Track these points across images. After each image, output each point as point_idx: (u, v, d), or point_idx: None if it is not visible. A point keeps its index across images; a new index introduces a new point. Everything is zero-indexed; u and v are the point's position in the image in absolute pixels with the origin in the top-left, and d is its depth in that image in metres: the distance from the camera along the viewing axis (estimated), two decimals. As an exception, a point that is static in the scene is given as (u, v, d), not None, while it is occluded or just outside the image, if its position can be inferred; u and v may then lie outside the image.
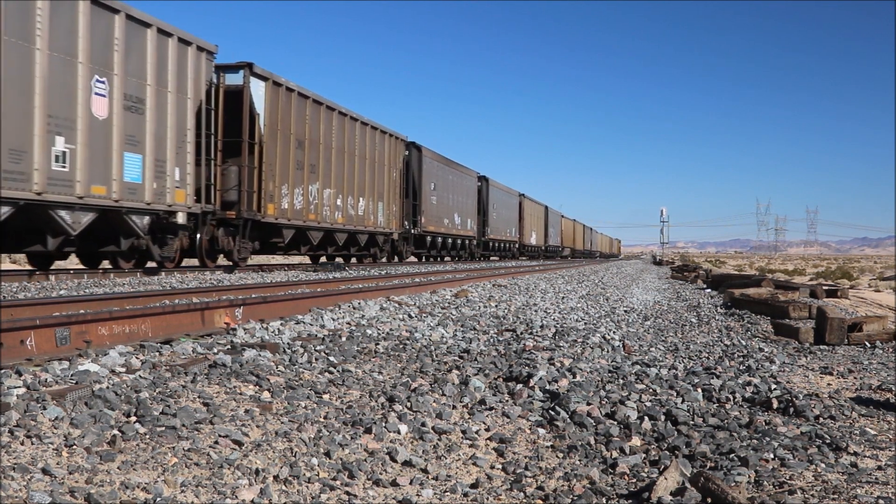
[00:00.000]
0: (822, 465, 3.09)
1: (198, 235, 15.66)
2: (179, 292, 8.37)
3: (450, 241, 33.94)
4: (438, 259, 34.95)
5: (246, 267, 17.65)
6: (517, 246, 48.84)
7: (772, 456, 3.20)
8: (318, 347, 5.01)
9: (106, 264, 15.04)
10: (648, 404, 4.05)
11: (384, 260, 26.86)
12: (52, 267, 14.05)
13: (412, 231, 28.41)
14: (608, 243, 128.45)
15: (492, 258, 44.05)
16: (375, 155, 24.18)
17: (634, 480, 3.05)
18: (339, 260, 25.35)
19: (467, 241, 37.03)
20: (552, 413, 3.90)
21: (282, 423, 3.34)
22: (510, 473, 3.16)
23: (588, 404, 3.97)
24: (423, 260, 33.71)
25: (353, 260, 25.11)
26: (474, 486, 2.98)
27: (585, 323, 8.23)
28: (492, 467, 3.24)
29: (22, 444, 2.65)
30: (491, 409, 3.99)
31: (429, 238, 30.45)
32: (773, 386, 4.58)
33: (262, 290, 9.43)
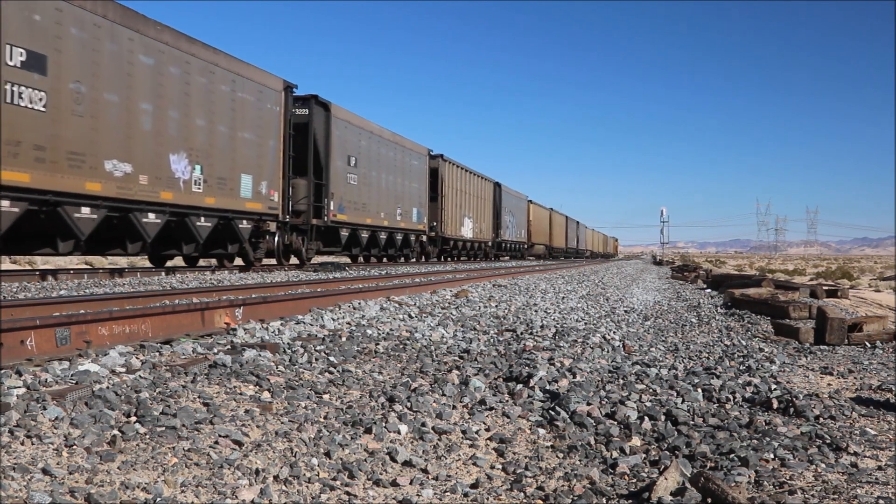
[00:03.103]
0: (823, 466, 3.09)
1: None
2: (179, 292, 8.37)
3: (152, 217, 13.60)
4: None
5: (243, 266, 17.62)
6: (426, 238, 30.60)
7: (772, 456, 3.20)
8: (318, 347, 5.01)
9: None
10: (648, 404, 4.05)
11: None
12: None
13: None
14: (602, 241, 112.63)
15: (391, 260, 27.79)
16: None
17: (634, 480, 3.05)
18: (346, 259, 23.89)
19: (244, 223, 16.68)
20: (552, 413, 3.89)
21: (282, 423, 3.34)
22: (510, 473, 3.16)
23: (588, 404, 3.97)
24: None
25: None
26: (474, 486, 2.98)
27: (585, 323, 8.23)
28: (492, 467, 3.24)
29: (22, 444, 2.65)
30: (491, 409, 3.99)
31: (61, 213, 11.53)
32: (774, 386, 4.58)
33: (262, 290, 9.44)
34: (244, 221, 16.95)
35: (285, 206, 18.59)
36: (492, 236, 41.26)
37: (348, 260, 26.29)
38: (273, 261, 19.36)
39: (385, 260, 27.88)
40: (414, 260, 29.78)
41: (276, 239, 18.70)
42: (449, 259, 34.93)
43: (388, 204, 26.02)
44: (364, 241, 24.13)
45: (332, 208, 21.18)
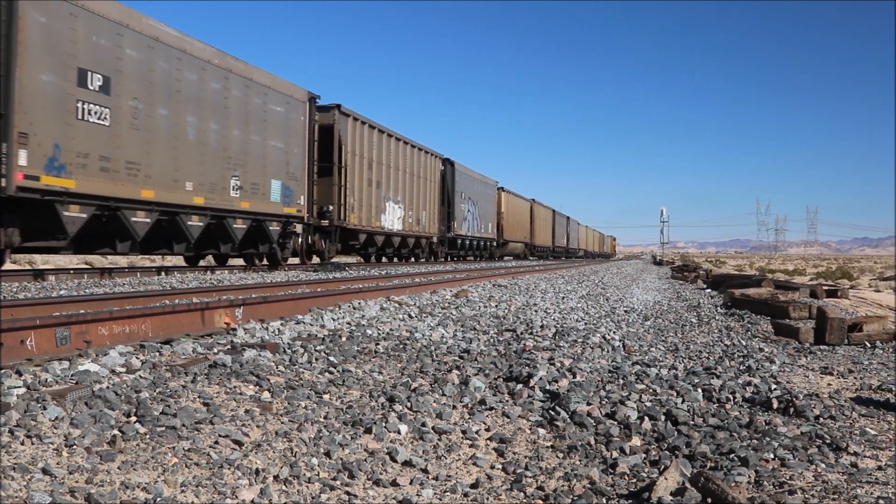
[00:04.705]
0: (823, 465, 3.09)
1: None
2: (179, 292, 8.37)
3: None
4: None
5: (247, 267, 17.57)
6: (302, 228, 19.45)
7: (772, 456, 3.20)
8: (318, 347, 5.01)
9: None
10: (648, 404, 4.05)
11: None
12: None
13: None
14: (598, 240, 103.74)
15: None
16: None
17: (634, 480, 3.05)
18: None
19: None
20: (552, 413, 3.89)
21: (282, 423, 3.34)
22: (510, 473, 3.16)
23: (588, 404, 3.97)
24: None
25: None
26: (474, 486, 2.98)
27: (585, 323, 8.23)
28: (492, 467, 3.24)
29: (22, 444, 2.65)
30: (491, 409, 3.99)
31: None
32: (774, 386, 4.58)
33: (262, 290, 9.44)
34: None
35: None
36: (438, 230, 31.24)
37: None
38: None
39: (262, 264, 18.86)
40: (297, 261, 20.34)
41: None
42: (366, 261, 25.51)
43: (209, 169, 15.05)
44: (141, 232, 13.21)
45: (23, 162, 10.76)
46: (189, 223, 14.66)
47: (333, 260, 22.30)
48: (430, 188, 30.19)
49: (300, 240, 19.63)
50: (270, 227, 17.98)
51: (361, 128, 22.92)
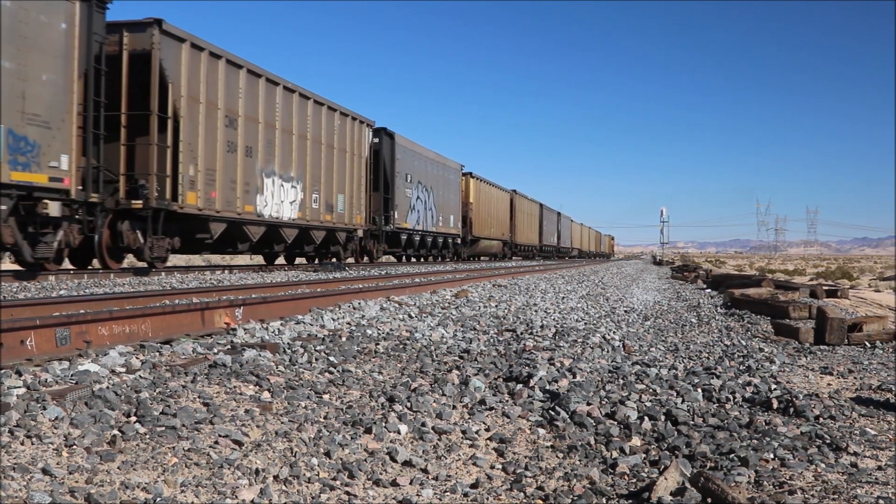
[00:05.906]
0: (822, 465, 3.09)
1: None
2: (179, 292, 8.37)
3: None
4: None
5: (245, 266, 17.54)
6: (60, 205, 11.22)
7: (772, 456, 3.20)
8: (318, 347, 5.01)
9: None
10: (648, 404, 4.05)
11: None
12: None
13: None
14: (594, 239, 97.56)
15: None
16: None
17: (634, 480, 3.05)
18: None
19: None
20: (552, 413, 3.89)
21: (282, 423, 3.34)
22: (510, 473, 3.16)
23: (588, 404, 3.97)
24: None
25: None
26: (474, 486, 2.98)
27: (585, 323, 8.23)
28: (492, 467, 3.24)
29: (22, 444, 2.65)
30: (491, 409, 3.99)
31: None
32: (773, 386, 4.58)
33: (262, 291, 9.44)
34: None
35: None
36: (369, 221, 24.21)
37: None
38: None
39: None
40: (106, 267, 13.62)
41: None
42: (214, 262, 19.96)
43: None
44: None
45: None
46: None
47: (168, 263, 14.99)
48: (354, 165, 22.38)
49: (99, 229, 12.86)
50: None
51: (213, 64, 15.22)
